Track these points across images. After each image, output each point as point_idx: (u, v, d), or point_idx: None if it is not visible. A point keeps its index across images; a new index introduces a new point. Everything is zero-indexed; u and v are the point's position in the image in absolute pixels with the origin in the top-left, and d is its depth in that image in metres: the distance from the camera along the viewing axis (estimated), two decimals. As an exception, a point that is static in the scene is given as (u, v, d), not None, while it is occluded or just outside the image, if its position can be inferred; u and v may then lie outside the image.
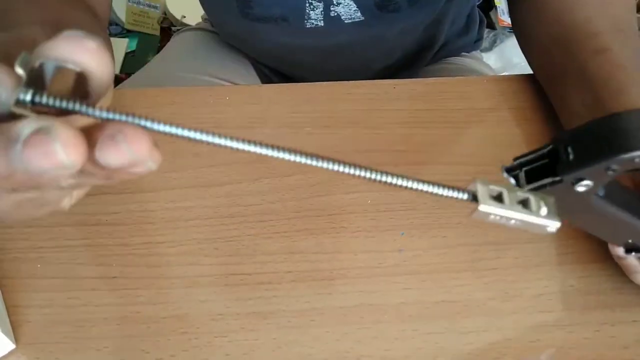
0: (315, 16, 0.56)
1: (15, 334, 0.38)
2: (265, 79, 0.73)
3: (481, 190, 0.22)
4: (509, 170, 0.28)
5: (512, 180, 0.28)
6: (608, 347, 0.38)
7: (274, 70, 0.72)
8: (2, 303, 0.39)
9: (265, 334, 0.38)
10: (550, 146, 0.27)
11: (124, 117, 0.18)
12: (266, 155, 0.21)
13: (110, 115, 0.18)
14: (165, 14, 1.65)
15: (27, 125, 0.16)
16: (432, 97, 0.50)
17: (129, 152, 0.18)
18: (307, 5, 0.55)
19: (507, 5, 0.57)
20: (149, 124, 0.19)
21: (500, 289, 0.40)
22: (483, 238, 0.42)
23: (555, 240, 0.42)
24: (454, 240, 0.42)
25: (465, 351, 0.38)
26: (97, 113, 0.18)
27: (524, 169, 0.28)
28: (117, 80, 1.22)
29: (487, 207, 0.22)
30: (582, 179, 0.26)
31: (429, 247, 0.42)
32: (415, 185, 0.22)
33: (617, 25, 0.43)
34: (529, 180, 0.28)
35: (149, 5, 1.65)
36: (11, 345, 0.37)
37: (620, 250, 0.36)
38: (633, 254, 0.36)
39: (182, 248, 0.42)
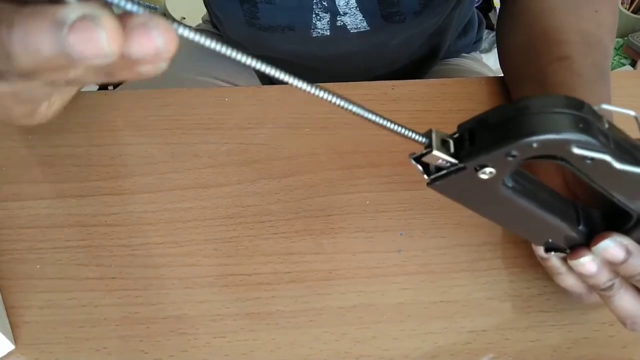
0: (321, 26, 0.56)
1: (15, 335, 0.38)
2: (266, 80, 0.73)
3: (435, 137, 0.26)
4: (417, 159, 0.28)
5: (420, 168, 0.28)
6: (607, 347, 0.38)
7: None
8: (2, 304, 0.39)
9: (264, 335, 0.38)
10: (457, 134, 0.27)
11: (152, 13, 0.19)
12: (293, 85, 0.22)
13: (141, 10, 0.18)
14: (165, 15, 1.65)
15: (73, 10, 0.16)
16: (431, 97, 0.50)
17: (158, 41, 0.18)
18: (314, 16, 0.56)
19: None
20: (176, 26, 0.19)
21: (499, 289, 0.40)
22: (482, 238, 0.42)
23: (554, 240, 0.42)
24: (452, 240, 0.42)
25: (464, 351, 0.38)
26: (129, 6, 0.18)
27: (425, 161, 0.28)
28: (117, 82, 1.21)
29: (437, 153, 0.26)
30: (484, 166, 0.26)
31: (427, 247, 0.42)
32: (379, 120, 0.25)
33: (586, 39, 0.43)
34: (438, 169, 0.27)
35: (149, 7, 1.65)
36: (10, 346, 0.38)
37: (540, 250, 0.35)
38: (553, 253, 0.35)
39: (181, 249, 0.42)
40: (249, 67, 0.77)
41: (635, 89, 0.42)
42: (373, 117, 0.25)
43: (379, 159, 0.46)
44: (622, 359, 0.38)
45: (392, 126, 0.25)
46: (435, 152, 0.26)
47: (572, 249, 0.34)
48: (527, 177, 0.30)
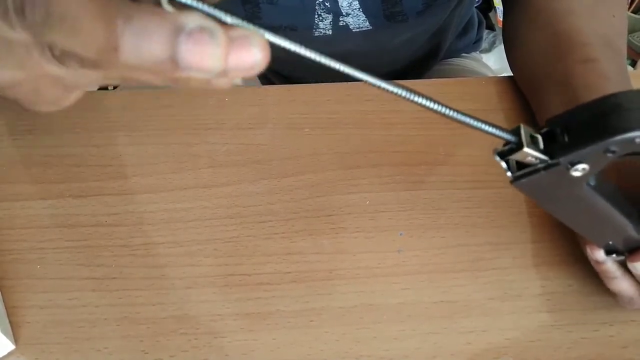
0: (324, 26, 0.56)
1: (15, 335, 0.38)
2: (265, 80, 0.73)
3: (524, 133, 0.25)
4: (502, 155, 0.26)
5: (504, 165, 0.27)
6: (607, 347, 0.38)
7: (274, 72, 0.72)
8: (2, 304, 0.39)
9: (265, 335, 0.38)
10: (546, 128, 0.26)
11: (251, 27, 0.18)
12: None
13: (240, 23, 0.18)
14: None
15: (194, 20, 0.16)
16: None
17: (256, 57, 0.18)
18: (317, 16, 0.56)
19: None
20: (271, 36, 0.19)
21: (499, 289, 0.40)
22: (482, 238, 0.42)
23: (554, 240, 0.42)
24: (452, 240, 0.42)
25: (464, 351, 0.38)
26: (230, 20, 0.18)
27: (514, 159, 0.26)
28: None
29: (528, 150, 0.24)
30: (578, 162, 0.25)
31: (427, 247, 0.42)
32: (465, 119, 0.24)
33: (607, 42, 0.43)
34: (521, 165, 0.26)
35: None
36: (11, 346, 0.38)
37: (600, 254, 0.35)
38: (614, 255, 0.35)
39: (182, 249, 0.42)
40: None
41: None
42: (458, 116, 0.24)
43: (379, 159, 0.46)
44: (622, 359, 0.38)
45: (477, 124, 0.24)
46: (526, 149, 0.25)
47: (630, 251, 0.34)
48: (604, 176, 0.30)
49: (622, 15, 0.47)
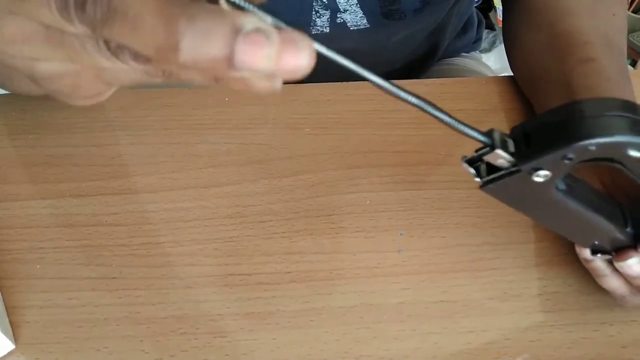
0: (321, 23, 0.56)
1: (15, 335, 0.38)
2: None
3: (497, 136, 0.25)
4: (470, 162, 0.27)
5: (472, 171, 0.27)
6: (607, 347, 0.38)
7: None
8: (2, 303, 0.39)
9: (265, 334, 0.38)
10: (510, 136, 0.27)
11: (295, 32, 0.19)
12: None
13: (284, 26, 0.19)
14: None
15: (251, 21, 0.17)
16: (431, 97, 0.49)
17: (304, 61, 0.18)
18: (314, 13, 0.56)
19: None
20: (317, 45, 0.19)
21: (499, 289, 0.40)
22: (482, 238, 0.42)
23: (554, 240, 0.42)
24: (452, 240, 0.42)
25: (464, 351, 0.38)
26: (271, 21, 0.19)
27: (486, 160, 0.27)
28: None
29: (500, 152, 0.25)
30: (539, 169, 0.26)
31: (427, 247, 0.42)
32: (442, 116, 0.25)
33: (607, 42, 0.43)
34: (489, 172, 0.27)
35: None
36: (11, 346, 0.38)
37: (586, 253, 0.35)
38: (599, 255, 0.35)
39: (182, 249, 0.42)
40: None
41: (635, 89, 0.42)
42: (436, 113, 0.25)
43: (379, 159, 0.46)
44: (622, 359, 0.38)
45: (454, 123, 0.25)
46: (498, 151, 0.26)
47: (618, 251, 0.34)
48: (577, 180, 0.30)
49: (622, 13, 0.47)
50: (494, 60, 1.47)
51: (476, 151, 0.27)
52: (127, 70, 0.21)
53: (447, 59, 0.74)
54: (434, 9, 0.57)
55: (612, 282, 0.36)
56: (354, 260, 0.41)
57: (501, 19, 1.50)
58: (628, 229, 0.33)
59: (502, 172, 0.26)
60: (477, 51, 0.79)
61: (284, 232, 0.43)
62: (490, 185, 0.28)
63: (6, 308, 0.39)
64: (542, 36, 0.47)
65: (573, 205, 0.30)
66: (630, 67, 1.62)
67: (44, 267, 0.41)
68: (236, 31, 0.17)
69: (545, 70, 0.45)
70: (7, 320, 0.39)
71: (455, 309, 0.40)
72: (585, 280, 0.40)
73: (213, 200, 0.44)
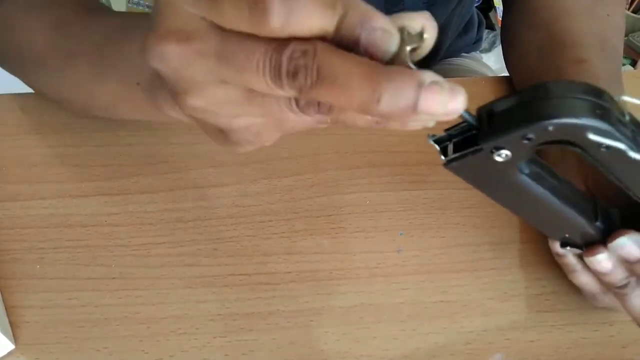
0: None
1: (15, 335, 0.38)
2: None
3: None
4: (438, 142, 0.28)
5: (437, 147, 0.28)
6: (606, 347, 0.38)
7: None
8: (2, 304, 0.39)
9: (265, 335, 0.38)
10: (476, 116, 0.27)
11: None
12: None
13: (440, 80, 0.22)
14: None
15: (430, 76, 0.21)
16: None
17: (462, 104, 0.22)
18: None
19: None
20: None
21: (499, 288, 0.40)
22: (482, 238, 0.42)
23: (554, 240, 0.42)
24: (452, 240, 0.42)
25: (464, 351, 0.38)
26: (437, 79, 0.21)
27: (454, 140, 0.27)
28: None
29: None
30: (501, 148, 0.26)
31: (427, 247, 0.42)
32: None
33: (601, 43, 0.43)
34: (456, 151, 0.27)
35: (149, 7, 1.65)
36: (10, 346, 0.38)
37: (556, 246, 0.35)
38: (568, 248, 0.35)
39: (181, 249, 0.42)
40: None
41: (635, 89, 0.42)
42: None
43: (379, 159, 0.46)
44: (622, 359, 0.38)
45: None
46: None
47: (588, 246, 0.34)
48: (546, 168, 0.30)
49: (618, 13, 0.47)
50: (494, 61, 1.47)
51: (445, 130, 0.27)
52: (306, 121, 0.25)
53: (447, 59, 0.74)
54: (437, 10, 0.57)
55: (583, 278, 0.36)
56: (354, 260, 0.41)
57: (501, 19, 1.51)
58: (598, 223, 0.32)
59: (464, 152, 0.27)
60: (478, 51, 0.79)
61: (284, 232, 0.43)
62: (454, 164, 0.28)
63: (6, 308, 0.39)
64: (539, 36, 0.47)
65: (537, 190, 0.29)
66: (630, 67, 1.62)
67: (43, 267, 0.41)
68: (420, 85, 0.21)
69: (538, 70, 0.45)
70: (7, 320, 0.39)
71: (455, 309, 0.40)
72: (585, 280, 0.40)
73: (213, 200, 0.44)
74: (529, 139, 0.25)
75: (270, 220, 0.43)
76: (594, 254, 0.33)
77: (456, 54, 0.75)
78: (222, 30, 0.22)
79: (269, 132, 0.27)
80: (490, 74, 0.73)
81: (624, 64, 1.64)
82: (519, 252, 0.42)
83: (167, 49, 0.23)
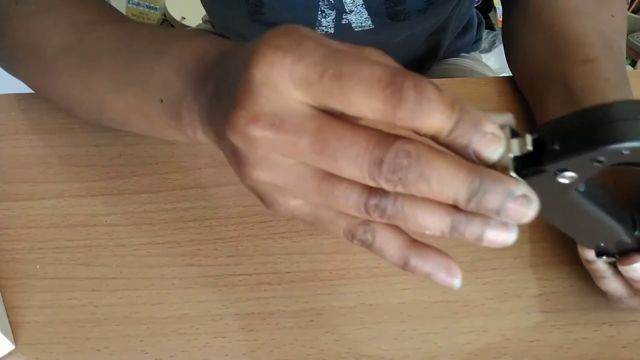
0: (326, 23, 0.56)
1: (15, 335, 0.38)
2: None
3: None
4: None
5: (515, 175, 0.27)
6: (607, 347, 0.38)
7: None
8: (2, 304, 0.39)
9: (265, 335, 0.38)
10: (536, 135, 0.26)
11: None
12: None
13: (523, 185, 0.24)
14: (165, 16, 1.65)
15: (522, 188, 0.23)
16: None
17: (534, 213, 0.23)
18: (320, 13, 0.55)
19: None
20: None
21: (499, 289, 0.40)
22: (482, 238, 0.42)
23: (554, 240, 0.42)
24: (453, 240, 0.42)
25: (464, 351, 0.38)
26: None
27: (513, 155, 0.26)
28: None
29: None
30: (566, 170, 0.25)
31: (428, 247, 0.42)
32: None
33: (608, 43, 0.43)
34: (516, 170, 0.26)
35: (149, 7, 1.65)
36: (10, 346, 0.38)
37: (590, 254, 0.35)
38: (604, 258, 0.35)
39: (181, 249, 0.42)
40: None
41: (635, 89, 0.42)
42: None
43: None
44: (622, 359, 0.38)
45: None
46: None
47: (622, 254, 0.34)
48: (596, 183, 0.30)
49: (621, 15, 0.47)
50: (494, 61, 1.47)
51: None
52: (353, 225, 0.26)
53: (447, 59, 0.74)
54: (438, 9, 0.57)
55: (612, 284, 0.36)
56: (354, 260, 0.41)
57: (501, 19, 1.50)
58: (637, 232, 0.32)
59: (527, 172, 0.26)
60: (477, 51, 0.79)
61: (284, 232, 0.42)
62: None
63: (6, 308, 0.39)
64: (541, 36, 0.47)
65: (589, 207, 0.29)
66: (630, 67, 1.62)
67: (44, 267, 0.41)
68: (510, 194, 0.22)
69: (544, 70, 0.45)
70: (7, 320, 0.39)
71: (455, 309, 0.40)
72: (585, 280, 0.40)
73: (213, 200, 0.44)
74: (599, 162, 0.24)
75: (270, 220, 0.43)
76: (630, 263, 0.33)
77: (456, 54, 0.75)
78: (323, 116, 0.22)
79: (309, 217, 0.27)
80: (490, 74, 0.73)
81: (623, 64, 1.64)
82: (519, 252, 0.42)
83: (258, 133, 0.23)
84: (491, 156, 0.23)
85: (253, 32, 0.61)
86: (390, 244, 0.26)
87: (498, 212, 0.23)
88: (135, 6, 1.64)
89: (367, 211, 0.24)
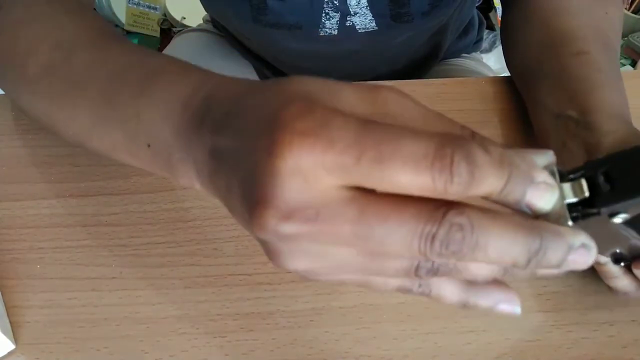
0: (330, 25, 0.56)
1: (15, 335, 0.38)
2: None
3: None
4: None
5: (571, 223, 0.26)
6: (607, 347, 0.38)
7: (277, 71, 0.72)
8: (2, 303, 0.39)
9: (264, 334, 0.38)
10: (583, 172, 0.25)
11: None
12: None
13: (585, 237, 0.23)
14: (165, 16, 1.66)
15: (581, 238, 0.22)
16: (431, 98, 0.50)
17: (590, 260, 0.22)
18: (324, 15, 0.55)
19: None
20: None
21: (499, 289, 0.40)
22: (482, 238, 0.42)
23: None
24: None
25: (464, 351, 0.38)
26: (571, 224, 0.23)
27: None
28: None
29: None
30: (618, 212, 0.25)
31: (428, 247, 0.42)
32: None
33: (600, 37, 0.44)
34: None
35: (149, 7, 1.65)
36: (11, 346, 0.38)
37: (602, 258, 0.35)
38: (622, 264, 0.35)
39: (181, 249, 0.42)
40: (250, 69, 0.76)
41: (635, 89, 0.42)
42: None
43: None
44: (622, 359, 0.38)
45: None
46: (569, 200, 0.24)
47: (635, 258, 0.34)
48: None
49: (615, 12, 0.48)
50: (494, 61, 1.47)
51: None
52: (406, 285, 0.25)
53: (448, 60, 0.74)
54: (440, 12, 0.57)
55: (622, 282, 0.37)
56: (354, 260, 0.41)
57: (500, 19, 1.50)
58: None
59: (576, 214, 0.25)
60: (478, 52, 0.79)
61: (284, 232, 0.42)
62: None
63: (6, 308, 0.39)
64: (537, 35, 0.47)
65: (631, 233, 0.30)
66: (630, 67, 1.62)
67: (44, 267, 0.41)
68: (570, 247, 0.22)
69: (539, 65, 0.46)
70: (7, 320, 0.39)
71: (455, 309, 0.39)
72: (585, 280, 0.40)
73: (213, 200, 0.44)
74: None
75: (270, 220, 0.43)
76: None
77: (457, 54, 0.75)
78: (361, 197, 0.20)
79: (357, 284, 0.26)
80: (491, 74, 0.73)
81: (624, 64, 1.64)
82: (519, 252, 0.42)
83: (292, 230, 0.20)
84: (545, 206, 0.22)
85: (254, 32, 0.61)
86: (447, 291, 0.25)
87: (559, 265, 0.22)
88: (135, 6, 1.64)
89: (418, 276, 0.23)
